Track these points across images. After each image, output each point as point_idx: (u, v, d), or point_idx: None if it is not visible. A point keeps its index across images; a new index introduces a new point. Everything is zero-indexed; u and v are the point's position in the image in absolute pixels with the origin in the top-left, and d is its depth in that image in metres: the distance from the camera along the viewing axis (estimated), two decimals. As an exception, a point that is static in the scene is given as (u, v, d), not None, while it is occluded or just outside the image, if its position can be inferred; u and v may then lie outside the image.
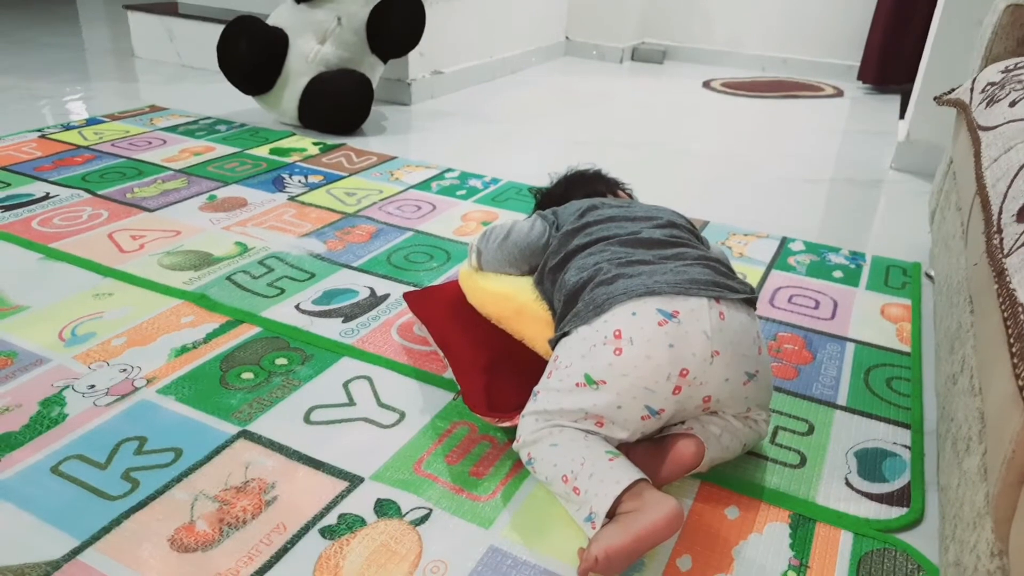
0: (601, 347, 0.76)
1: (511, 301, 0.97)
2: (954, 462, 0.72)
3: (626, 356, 0.75)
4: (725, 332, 0.76)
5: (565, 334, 0.82)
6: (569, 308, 0.84)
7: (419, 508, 0.78)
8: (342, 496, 0.79)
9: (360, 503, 0.78)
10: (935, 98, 1.36)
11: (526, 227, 1.01)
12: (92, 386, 0.95)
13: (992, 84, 1.15)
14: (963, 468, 0.67)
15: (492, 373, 0.91)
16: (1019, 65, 1.16)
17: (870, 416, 0.97)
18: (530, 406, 0.81)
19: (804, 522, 0.79)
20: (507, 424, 0.85)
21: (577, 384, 0.77)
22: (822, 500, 0.82)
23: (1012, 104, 1.00)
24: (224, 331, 1.08)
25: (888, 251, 1.48)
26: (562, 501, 0.76)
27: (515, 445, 0.81)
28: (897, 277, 1.37)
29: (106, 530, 0.73)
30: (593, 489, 0.71)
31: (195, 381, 0.97)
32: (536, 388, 0.82)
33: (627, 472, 0.71)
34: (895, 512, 0.81)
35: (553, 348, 0.85)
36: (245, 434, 0.88)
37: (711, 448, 0.79)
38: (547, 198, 1.16)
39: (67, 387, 0.94)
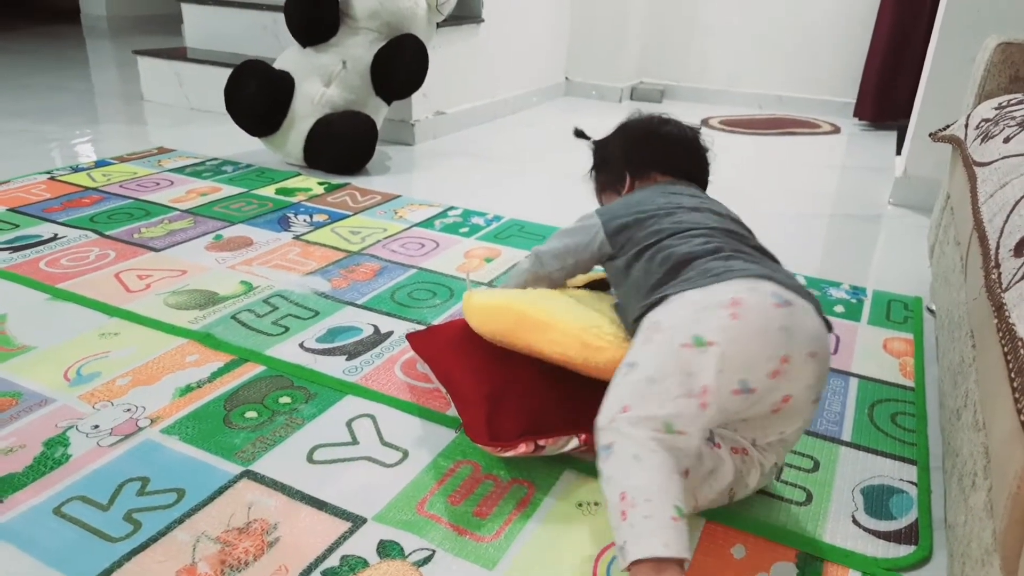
0: (715, 310, 0.75)
1: (508, 311, 0.95)
2: (960, 498, 0.71)
3: (742, 322, 0.74)
4: (821, 341, 0.77)
5: (663, 299, 0.81)
6: (674, 275, 0.83)
7: (422, 549, 0.78)
8: (344, 537, 0.79)
9: (363, 544, 0.78)
10: (931, 135, 1.38)
11: (584, 240, 0.99)
12: (96, 426, 0.95)
13: (986, 120, 1.17)
14: (969, 504, 0.66)
15: (493, 402, 0.91)
16: (1012, 102, 1.18)
17: (875, 452, 0.97)
18: (621, 377, 0.77)
19: (811, 561, 0.78)
20: (509, 454, 0.85)
21: (683, 345, 0.74)
22: (829, 538, 0.82)
23: (1006, 140, 1.01)
24: (228, 370, 1.09)
25: (889, 286, 1.49)
26: (605, 503, 0.72)
27: (601, 420, 0.75)
28: (899, 311, 1.37)
29: (107, 572, 0.73)
30: (638, 528, 0.67)
31: (199, 420, 0.97)
32: (623, 364, 0.78)
33: (677, 542, 0.66)
34: (903, 550, 0.80)
35: (638, 319, 0.83)
36: (248, 474, 0.88)
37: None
38: (608, 161, 1.13)
39: (71, 427, 0.94)
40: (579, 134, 1.20)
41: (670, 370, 0.74)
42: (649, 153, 1.09)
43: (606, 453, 0.73)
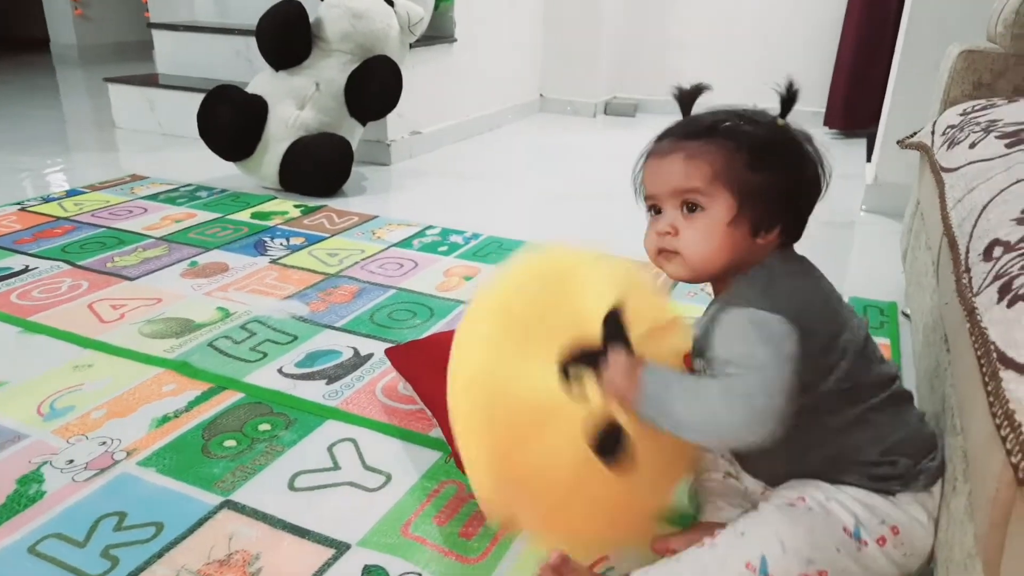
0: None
1: (482, 413, 0.70)
2: (942, 503, 0.72)
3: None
4: None
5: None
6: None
7: (408, 573, 0.77)
8: (328, 564, 0.78)
9: (347, 571, 0.77)
10: (898, 142, 1.41)
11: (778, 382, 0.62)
12: (71, 461, 0.93)
13: (952, 127, 1.19)
14: (951, 509, 0.67)
15: None
16: (976, 108, 1.21)
17: (858, 458, 0.97)
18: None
19: (798, 570, 0.78)
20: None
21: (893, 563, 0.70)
22: (815, 546, 0.82)
23: (972, 146, 1.03)
24: (206, 398, 1.07)
25: (865, 291, 1.50)
26: None
27: None
28: (875, 317, 1.39)
29: (84, 612, 0.71)
30: None
31: (177, 451, 0.95)
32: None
33: None
34: (888, 555, 0.80)
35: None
36: (228, 504, 0.86)
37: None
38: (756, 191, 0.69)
39: (45, 463, 0.92)
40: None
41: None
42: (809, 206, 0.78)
43: None
